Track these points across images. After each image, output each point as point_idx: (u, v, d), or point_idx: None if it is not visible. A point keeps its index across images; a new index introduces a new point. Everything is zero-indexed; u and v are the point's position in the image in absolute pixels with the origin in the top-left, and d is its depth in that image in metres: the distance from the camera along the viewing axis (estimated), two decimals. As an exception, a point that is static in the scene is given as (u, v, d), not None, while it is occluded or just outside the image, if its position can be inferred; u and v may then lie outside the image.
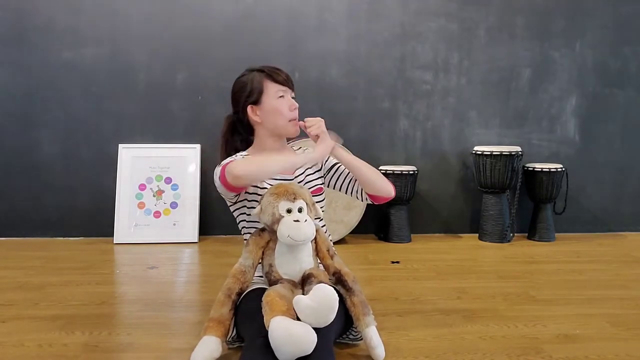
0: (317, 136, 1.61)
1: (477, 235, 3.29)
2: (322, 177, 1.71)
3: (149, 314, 1.87)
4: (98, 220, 3.17)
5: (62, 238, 3.18)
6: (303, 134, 1.66)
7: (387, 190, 1.63)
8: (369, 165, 1.64)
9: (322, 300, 1.21)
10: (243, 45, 3.18)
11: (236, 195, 1.53)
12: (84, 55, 3.13)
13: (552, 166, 3.17)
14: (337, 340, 1.53)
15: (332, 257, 1.48)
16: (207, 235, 3.24)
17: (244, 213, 1.58)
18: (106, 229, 3.13)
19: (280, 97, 1.58)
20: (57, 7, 3.09)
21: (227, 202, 1.61)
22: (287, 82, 1.60)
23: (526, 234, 3.33)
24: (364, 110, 3.30)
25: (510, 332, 1.70)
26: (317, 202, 1.55)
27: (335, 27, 3.24)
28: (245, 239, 1.52)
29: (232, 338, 1.48)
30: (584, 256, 2.82)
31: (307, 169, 1.68)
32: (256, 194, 1.54)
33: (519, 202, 3.25)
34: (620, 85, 3.42)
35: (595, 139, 3.45)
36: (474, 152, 3.19)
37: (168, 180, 3.17)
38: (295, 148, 1.76)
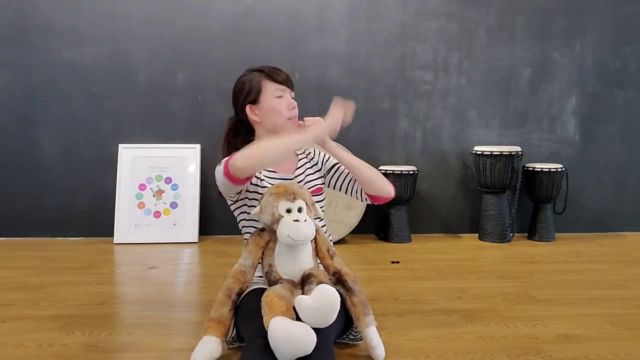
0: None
1: (477, 235, 3.29)
2: (322, 177, 1.71)
3: (149, 314, 1.87)
4: (98, 220, 3.17)
5: (62, 238, 3.18)
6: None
7: (387, 190, 1.63)
8: (369, 166, 1.64)
9: (324, 301, 1.21)
10: (243, 45, 3.18)
11: (237, 194, 1.53)
12: (84, 55, 3.13)
13: (552, 166, 3.17)
14: (337, 340, 1.53)
15: (332, 257, 1.48)
16: (207, 235, 3.24)
17: (245, 212, 1.58)
18: (106, 229, 3.13)
19: (279, 96, 1.58)
20: (57, 7, 3.09)
21: (228, 201, 1.61)
22: (285, 81, 1.60)
23: (526, 234, 3.33)
24: (364, 110, 3.30)
25: (510, 332, 1.70)
26: (317, 202, 1.55)
27: (335, 27, 3.24)
28: (246, 239, 1.52)
29: (232, 338, 1.48)
30: (584, 256, 2.83)
31: (307, 169, 1.68)
32: (256, 192, 1.54)
33: (519, 202, 3.25)
34: (620, 85, 3.42)
35: (595, 139, 3.45)
36: (474, 152, 3.19)
37: (168, 180, 3.18)
38: (295, 148, 1.76)
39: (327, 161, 1.73)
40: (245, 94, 1.60)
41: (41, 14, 3.08)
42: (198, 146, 3.21)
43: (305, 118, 1.61)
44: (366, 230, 3.29)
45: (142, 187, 3.15)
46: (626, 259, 2.76)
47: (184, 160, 3.20)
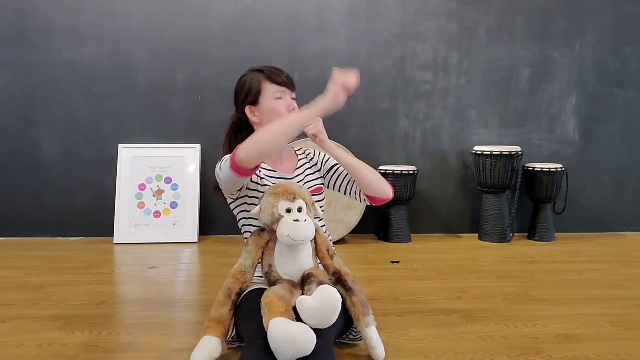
0: (315, 136, 1.61)
1: (477, 235, 3.29)
2: (321, 177, 1.72)
3: (149, 314, 1.87)
4: (98, 220, 3.17)
5: (62, 238, 3.18)
6: (302, 134, 1.65)
7: (385, 191, 1.63)
8: (368, 167, 1.64)
9: (326, 301, 1.21)
10: (243, 45, 3.18)
11: (238, 191, 1.52)
12: (84, 55, 3.13)
13: (552, 166, 3.17)
14: (337, 341, 1.53)
15: (332, 257, 1.48)
16: (207, 235, 3.24)
17: (244, 210, 1.58)
18: (106, 229, 3.13)
19: (279, 98, 1.58)
20: (57, 7, 3.09)
21: (228, 200, 1.60)
22: (286, 83, 1.59)
23: (526, 234, 3.33)
24: (364, 110, 3.30)
25: (510, 332, 1.70)
26: (316, 201, 1.55)
27: (335, 27, 3.24)
28: (246, 239, 1.52)
29: (232, 338, 1.48)
30: (584, 256, 2.82)
31: (306, 169, 1.68)
32: (256, 190, 1.54)
33: (519, 202, 3.25)
34: (620, 85, 3.42)
35: (595, 139, 3.45)
36: (474, 152, 3.19)
37: (168, 180, 3.18)
38: (296, 149, 1.76)
39: (326, 162, 1.73)
40: (245, 95, 1.60)
41: (41, 14, 3.08)
42: (198, 146, 3.21)
43: None
44: (366, 230, 3.29)
45: (142, 187, 3.15)
46: (626, 259, 2.76)
47: (184, 160, 3.20)
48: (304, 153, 1.75)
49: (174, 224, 3.12)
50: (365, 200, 1.67)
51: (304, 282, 1.36)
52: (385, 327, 1.68)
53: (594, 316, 1.86)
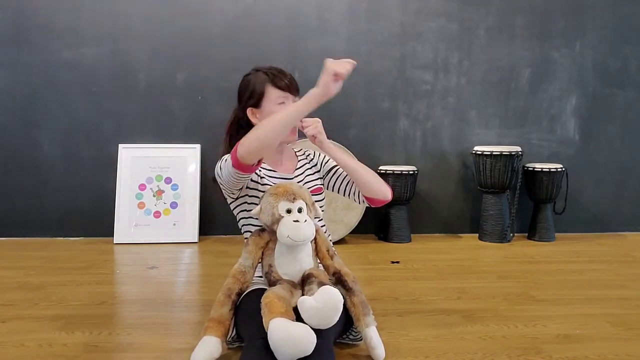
0: (314, 137, 1.61)
1: (477, 235, 3.29)
2: (321, 178, 1.72)
3: (149, 314, 1.87)
4: (98, 220, 3.17)
5: (62, 238, 3.18)
6: (301, 134, 1.66)
7: (384, 193, 1.63)
8: (366, 168, 1.64)
9: (327, 302, 1.21)
10: (243, 45, 3.18)
11: (239, 190, 1.52)
12: (84, 55, 3.13)
13: (552, 166, 3.17)
14: (337, 341, 1.53)
15: (332, 257, 1.48)
16: (207, 235, 3.24)
17: (244, 210, 1.58)
18: (106, 229, 3.13)
19: (281, 103, 1.57)
20: (57, 7, 3.09)
21: (228, 200, 1.60)
22: (289, 87, 1.58)
23: (526, 234, 3.33)
24: (364, 110, 3.30)
25: (510, 332, 1.70)
26: (316, 202, 1.55)
27: (335, 27, 3.24)
28: (246, 238, 1.52)
29: (232, 338, 1.48)
30: (584, 256, 2.83)
31: (306, 169, 1.68)
32: (256, 189, 1.54)
33: (519, 202, 3.25)
34: (620, 85, 3.42)
35: (595, 139, 3.45)
36: (474, 152, 3.19)
37: (168, 180, 3.18)
38: (295, 150, 1.76)
39: (326, 163, 1.74)
40: (248, 96, 1.59)
41: (41, 14, 3.08)
42: (198, 146, 3.21)
43: (304, 119, 1.60)
44: (366, 230, 3.29)
45: (142, 187, 3.15)
46: (626, 259, 2.76)
47: (184, 160, 3.20)
48: (303, 154, 1.75)
49: (174, 224, 3.12)
50: (363, 201, 1.67)
51: (304, 282, 1.36)
52: (385, 327, 1.68)
53: (594, 316, 1.86)
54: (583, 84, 3.40)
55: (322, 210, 1.63)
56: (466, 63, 3.33)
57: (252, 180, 1.54)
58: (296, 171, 1.65)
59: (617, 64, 3.40)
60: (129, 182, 3.14)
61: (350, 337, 1.55)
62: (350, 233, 3.13)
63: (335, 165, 1.71)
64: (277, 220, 1.37)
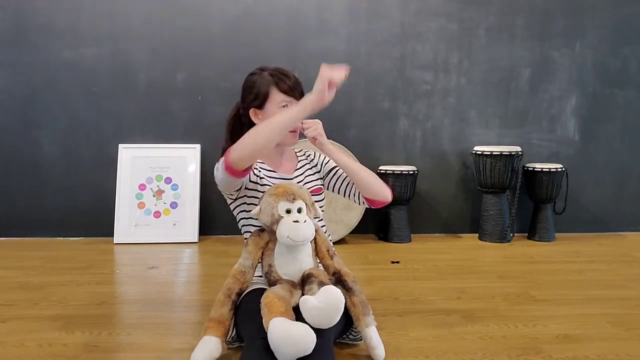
0: (315, 138, 1.61)
1: (477, 235, 3.29)
2: (321, 178, 1.72)
3: (149, 314, 1.87)
4: (98, 220, 3.17)
5: (62, 238, 3.18)
6: (301, 134, 1.66)
7: (384, 194, 1.64)
8: (367, 169, 1.64)
9: (329, 302, 1.21)
10: (243, 45, 3.18)
11: (237, 191, 1.53)
12: (84, 55, 3.13)
13: (552, 166, 3.17)
14: (337, 340, 1.53)
15: (331, 257, 1.48)
16: (207, 235, 3.24)
17: (244, 210, 1.58)
18: (106, 229, 3.13)
19: (284, 106, 1.56)
20: (57, 7, 3.09)
21: (227, 200, 1.61)
22: (292, 91, 1.57)
23: (526, 234, 3.33)
24: (364, 110, 3.30)
25: (510, 332, 1.70)
26: (316, 202, 1.55)
27: (335, 27, 3.24)
28: (246, 239, 1.52)
29: (232, 338, 1.48)
30: (584, 256, 2.83)
31: (306, 170, 1.68)
32: (255, 190, 1.54)
33: (519, 202, 3.25)
34: (620, 85, 3.42)
35: (595, 139, 3.45)
36: (474, 152, 3.19)
37: (168, 180, 3.18)
38: (296, 150, 1.76)
39: (326, 164, 1.74)
40: (252, 97, 1.59)
41: (41, 14, 3.08)
42: (198, 146, 3.21)
43: (304, 121, 1.60)
44: (366, 230, 3.29)
45: (142, 187, 3.15)
46: (626, 259, 2.76)
47: (184, 160, 3.20)
48: (304, 154, 1.75)
49: (174, 224, 3.12)
50: (364, 202, 1.68)
51: (304, 282, 1.36)
52: (385, 327, 1.68)
53: (594, 316, 1.86)
54: (583, 84, 3.40)
55: (322, 211, 1.63)
56: (466, 63, 3.33)
57: (251, 181, 1.54)
58: (296, 172, 1.65)
59: (617, 64, 3.40)
60: (129, 182, 3.14)
61: (350, 337, 1.55)
62: (350, 233, 3.13)
63: (336, 166, 1.71)
64: (277, 220, 1.37)
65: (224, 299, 1.39)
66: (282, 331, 1.15)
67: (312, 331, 1.17)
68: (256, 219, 1.45)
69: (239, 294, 1.42)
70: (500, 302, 2.00)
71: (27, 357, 1.49)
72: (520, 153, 3.13)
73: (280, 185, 1.43)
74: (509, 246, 3.07)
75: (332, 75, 1.32)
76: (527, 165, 3.25)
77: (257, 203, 1.47)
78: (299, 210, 1.38)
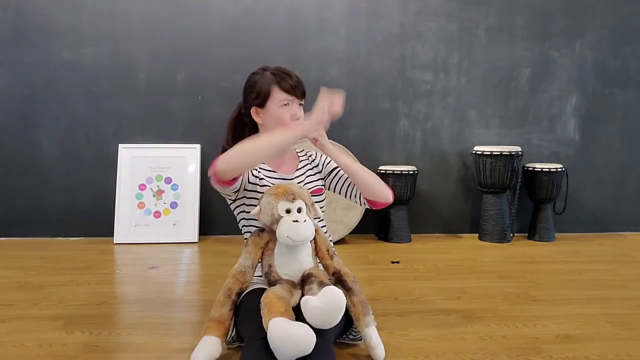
0: (316, 139, 1.62)
1: (477, 235, 3.29)
2: (322, 178, 1.72)
3: (149, 314, 1.87)
4: (98, 220, 3.17)
5: (62, 238, 3.18)
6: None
7: (385, 195, 1.64)
8: (368, 170, 1.64)
9: (331, 302, 1.21)
10: (243, 45, 3.18)
11: (236, 192, 1.53)
12: (84, 55, 3.13)
13: (552, 166, 3.17)
14: (337, 340, 1.53)
15: (331, 257, 1.48)
16: (207, 235, 3.24)
17: (244, 211, 1.58)
18: (106, 229, 3.13)
19: (285, 105, 1.57)
20: (57, 7, 3.09)
21: (227, 200, 1.61)
22: (294, 90, 1.58)
23: (526, 234, 3.33)
24: (364, 110, 3.30)
25: (510, 332, 1.70)
26: (316, 202, 1.56)
27: (335, 27, 3.24)
28: (246, 239, 1.52)
29: (232, 338, 1.48)
30: (584, 256, 2.83)
31: (307, 170, 1.68)
32: (255, 191, 1.54)
33: (519, 202, 3.25)
34: (620, 85, 3.42)
35: (595, 139, 3.45)
36: (474, 152, 3.19)
37: (168, 180, 3.18)
38: (297, 150, 1.76)
39: (327, 164, 1.74)
40: (254, 96, 1.59)
41: (41, 14, 3.08)
42: (198, 146, 3.21)
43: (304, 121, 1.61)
44: (366, 230, 3.29)
45: (142, 187, 3.15)
46: (626, 259, 2.76)
47: (184, 160, 3.20)
48: (305, 154, 1.75)
49: (174, 224, 3.12)
50: (365, 203, 1.67)
51: (304, 282, 1.36)
52: (385, 327, 1.68)
53: (594, 316, 1.86)
54: (583, 84, 3.40)
55: (323, 211, 1.63)
56: (466, 63, 3.33)
57: (250, 182, 1.55)
58: (297, 172, 1.66)
59: (617, 64, 3.40)
60: (129, 182, 3.14)
61: (350, 337, 1.55)
62: (350, 233, 3.13)
63: (337, 167, 1.71)
64: (277, 220, 1.37)
65: (224, 299, 1.39)
66: (282, 331, 1.16)
67: (312, 331, 1.17)
68: (256, 219, 1.45)
69: (239, 294, 1.42)
70: (500, 302, 2.00)
71: (27, 357, 1.49)
72: (520, 153, 3.13)
73: (280, 185, 1.43)
74: (509, 246, 3.07)
75: (331, 106, 1.42)
76: (527, 165, 3.25)
77: (257, 203, 1.47)
78: (299, 210, 1.38)
